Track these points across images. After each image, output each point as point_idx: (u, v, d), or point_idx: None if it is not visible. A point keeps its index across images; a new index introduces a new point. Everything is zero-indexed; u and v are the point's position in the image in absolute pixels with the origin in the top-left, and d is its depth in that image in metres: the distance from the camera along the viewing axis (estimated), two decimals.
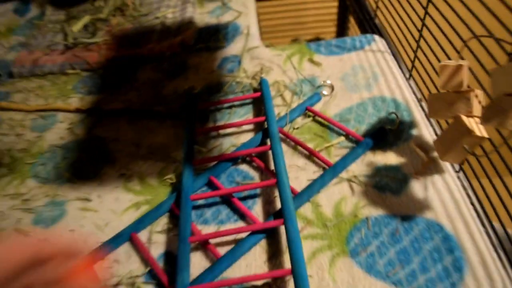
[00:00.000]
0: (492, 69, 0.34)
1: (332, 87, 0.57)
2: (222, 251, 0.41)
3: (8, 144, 0.57)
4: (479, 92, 0.40)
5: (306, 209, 0.44)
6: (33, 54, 0.71)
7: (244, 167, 0.49)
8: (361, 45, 0.64)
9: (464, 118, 0.39)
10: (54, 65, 0.68)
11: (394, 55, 0.62)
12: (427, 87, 0.54)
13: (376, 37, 0.65)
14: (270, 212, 0.44)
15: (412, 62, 0.57)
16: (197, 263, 0.41)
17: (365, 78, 0.58)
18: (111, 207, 0.47)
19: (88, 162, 0.53)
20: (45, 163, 0.54)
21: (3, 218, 0.48)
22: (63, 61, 0.68)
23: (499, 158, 0.39)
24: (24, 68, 0.69)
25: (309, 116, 0.54)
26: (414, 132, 0.50)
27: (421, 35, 0.53)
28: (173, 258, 0.41)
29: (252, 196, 0.46)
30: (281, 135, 0.52)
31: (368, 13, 0.76)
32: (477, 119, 0.40)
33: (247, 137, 0.53)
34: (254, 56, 0.65)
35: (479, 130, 0.39)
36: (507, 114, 0.33)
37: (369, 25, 0.75)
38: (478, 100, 0.40)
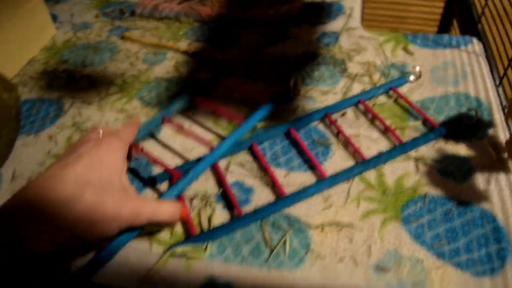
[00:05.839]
0: None
1: (419, 74, 0.59)
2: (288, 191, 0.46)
3: (122, 70, 0.66)
4: None
5: (370, 175, 0.48)
6: (154, 0, 0.80)
7: (321, 127, 0.54)
8: (458, 44, 0.65)
9: None
10: (171, 11, 0.76)
11: (489, 60, 0.63)
12: None
13: (474, 39, 0.66)
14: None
15: (505, 70, 0.58)
16: (264, 198, 0.46)
17: (454, 74, 0.60)
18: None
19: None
20: (150, 90, 0.61)
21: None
22: (179, 10, 0.76)
23: None
24: (145, 10, 0.77)
25: (391, 97, 0.57)
26: (490, 132, 0.51)
27: None
28: (243, 187, 0.47)
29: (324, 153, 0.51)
30: (361, 107, 0.55)
31: (473, 18, 0.77)
32: None
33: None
34: (351, 36, 0.68)
35: None
36: None
37: (471, 31, 0.75)
38: None
